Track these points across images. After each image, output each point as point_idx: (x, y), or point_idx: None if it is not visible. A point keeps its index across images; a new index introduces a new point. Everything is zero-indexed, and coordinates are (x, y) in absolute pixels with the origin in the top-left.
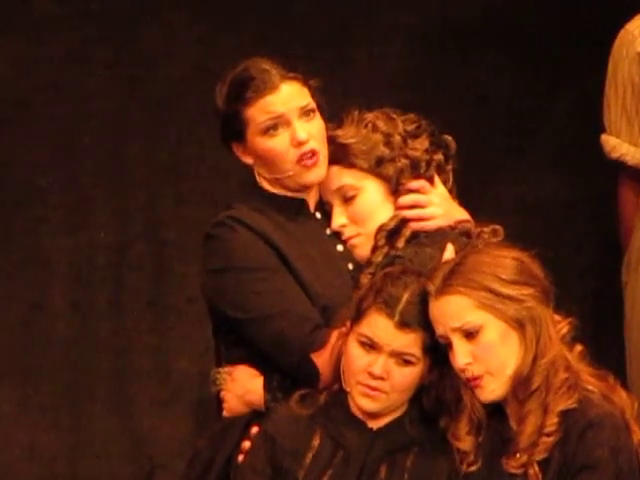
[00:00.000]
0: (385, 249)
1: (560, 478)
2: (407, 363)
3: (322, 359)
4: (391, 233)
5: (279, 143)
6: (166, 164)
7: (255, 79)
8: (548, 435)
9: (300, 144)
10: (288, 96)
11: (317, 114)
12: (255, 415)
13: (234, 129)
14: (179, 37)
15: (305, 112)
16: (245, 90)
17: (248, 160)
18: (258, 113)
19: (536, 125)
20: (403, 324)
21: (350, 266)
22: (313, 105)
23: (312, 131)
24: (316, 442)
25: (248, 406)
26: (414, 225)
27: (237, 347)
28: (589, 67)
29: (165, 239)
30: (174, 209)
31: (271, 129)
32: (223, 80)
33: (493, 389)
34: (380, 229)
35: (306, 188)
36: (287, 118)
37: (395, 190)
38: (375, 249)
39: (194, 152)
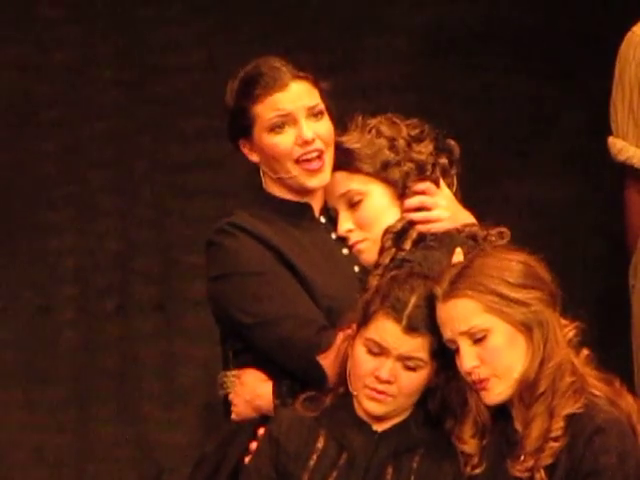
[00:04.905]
0: (392, 251)
1: None
2: (414, 367)
3: (328, 360)
4: (398, 235)
5: (284, 141)
6: (172, 167)
7: (265, 76)
8: (554, 440)
9: (305, 143)
10: (297, 95)
11: (325, 116)
12: (264, 420)
13: (242, 125)
14: (184, 36)
15: (313, 112)
16: (254, 87)
17: (254, 158)
18: (266, 110)
19: (542, 128)
20: (411, 328)
21: (356, 269)
22: (322, 106)
23: (319, 131)
24: (320, 444)
25: (257, 411)
26: (420, 227)
27: (245, 354)
28: (596, 70)
29: (172, 243)
30: (181, 213)
31: (278, 126)
32: (234, 76)
33: (499, 392)
34: (387, 231)
35: (309, 192)
36: (294, 116)
37: (401, 194)
38: (382, 251)
39: (200, 153)
